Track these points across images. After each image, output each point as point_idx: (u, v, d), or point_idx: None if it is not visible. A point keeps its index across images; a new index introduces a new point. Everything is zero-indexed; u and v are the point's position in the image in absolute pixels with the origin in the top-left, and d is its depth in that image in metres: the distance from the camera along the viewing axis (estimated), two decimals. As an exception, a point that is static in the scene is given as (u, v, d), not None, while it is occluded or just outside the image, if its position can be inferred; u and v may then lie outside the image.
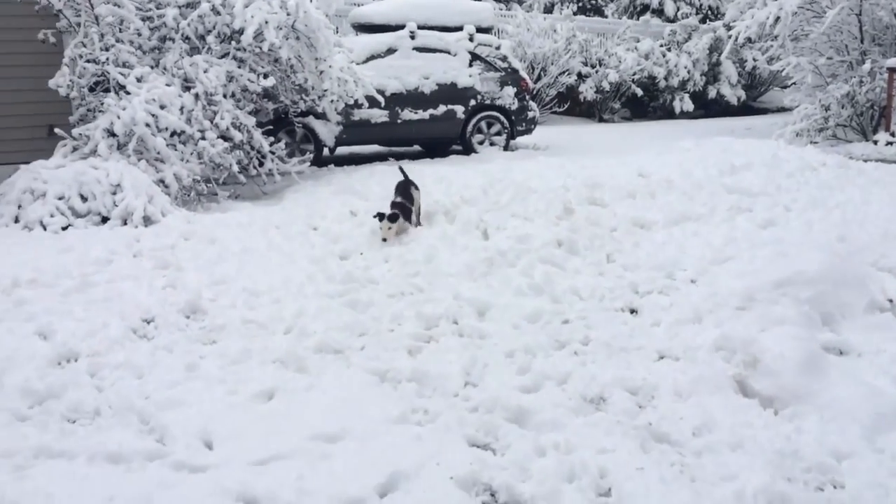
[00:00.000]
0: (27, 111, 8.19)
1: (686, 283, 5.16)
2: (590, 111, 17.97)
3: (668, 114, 18.08)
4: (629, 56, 17.34)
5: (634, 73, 17.38)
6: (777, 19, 11.79)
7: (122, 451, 3.26)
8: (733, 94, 18.62)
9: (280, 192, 8.58)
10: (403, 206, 6.57)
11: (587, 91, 17.14)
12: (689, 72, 17.96)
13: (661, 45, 18.36)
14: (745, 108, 19.02)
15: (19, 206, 6.86)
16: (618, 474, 3.03)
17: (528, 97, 12.09)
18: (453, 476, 3.06)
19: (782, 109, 16.90)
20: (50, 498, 2.92)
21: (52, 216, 6.71)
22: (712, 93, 18.48)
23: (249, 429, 3.47)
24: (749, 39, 13.87)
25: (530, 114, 12.08)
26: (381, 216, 6.29)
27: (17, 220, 6.79)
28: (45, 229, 6.61)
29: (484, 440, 3.39)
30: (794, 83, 13.17)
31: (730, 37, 13.77)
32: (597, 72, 17.19)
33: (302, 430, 3.43)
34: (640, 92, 17.56)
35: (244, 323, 4.73)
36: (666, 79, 17.82)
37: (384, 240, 6.18)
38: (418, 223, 6.79)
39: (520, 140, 12.67)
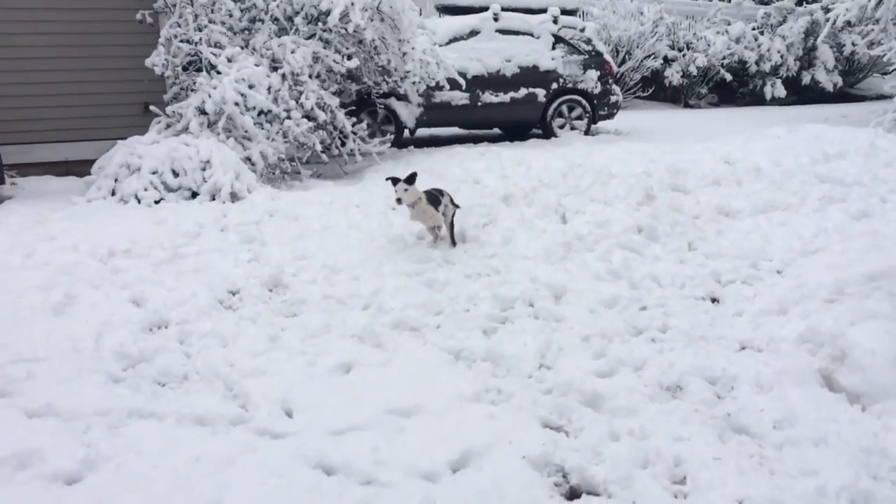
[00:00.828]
0: (125, 89, 8.57)
1: (772, 273, 5.00)
2: (675, 96, 17.52)
3: (759, 100, 17.45)
4: (719, 39, 16.80)
5: (724, 58, 16.84)
6: (879, 2, 11.20)
7: (208, 415, 3.40)
8: (829, 81, 17.81)
9: (360, 172, 8.73)
10: (433, 195, 5.81)
11: (673, 75, 16.72)
12: (782, 56, 17.27)
13: (754, 29, 17.71)
14: (842, 95, 18.16)
15: (116, 180, 7.21)
16: (693, 463, 2.98)
17: (611, 81, 11.88)
18: (525, 455, 3.07)
19: (882, 97, 16.09)
20: (141, 455, 3.08)
21: (145, 190, 7.02)
22: (806, 79, 17.72)
23: (327, 399, 3.57)
24: (848, 23, 13.26)
25: (613, 98, 11.88)
26: (395, 179, 5.62)
27: (113, 193, 7.14)
28: (139, 202, 6.93)
29: (557, 422, 3.39)
30: (896, 69, 12.50)
31: (828, 20, 13.15)
32: (684, 56, 16.74)
33: (378, 404, 3.50)
34: (729, 77, 17.02)
35: (324, 298, 4.85)
36: (757, 63, 17.19)
37: (398, 200, 5.53)
38: (452, 241, 5.87)
39: (601, 125, 12.48)
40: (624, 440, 3.18)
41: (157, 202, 6.94)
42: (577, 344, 4.13)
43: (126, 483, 2.87)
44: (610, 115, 12.02)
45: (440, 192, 5.90)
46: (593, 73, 11.57)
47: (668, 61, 16.75)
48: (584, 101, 11.62)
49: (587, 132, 11.69)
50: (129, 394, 3.58)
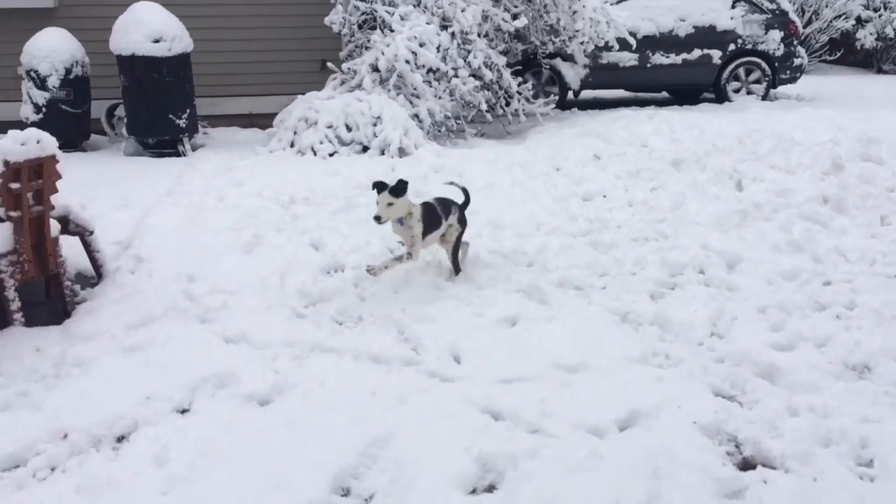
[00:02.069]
0: (304, 47, 9.01)
1: (978, 254, 4.54)
2: (867, 61, 16.06)
3: (966, 66, 15.67)
4: (923, -2, 15.17)
5: (927, 18, 15.20)
6: None
7: (383, 354, 3.58)
8: None
9: (524, 132, 8.72)
10: (433, 210, 4.43)
11: (866, 38, 15.32)
12: None
13: (966, -14, 15.82)
14: None
15: (295, 133, 7.63)
16: (883, 446, 2.79)
17: (795, 42, 11.08)
18: (696, 421, 3.01)
19: None
20: (324, 385, 3.30)
21: (321, 143, 7.39)
22: None
23: (494, 350, 3.65)
24: None
25: (797, 61, 11.08)
26: (380, 185, 4.22)
27: (292, 145, 7.57)
28: (314, 154, 7.31)
29: (730, 392, 3.28)
30: None
31: None
32: (880, 16, 15.26)
33: (543, 357, 3.54)
34: (932, 40, 15.36)
35: (489, 253, 4.93)
36: (968, 25, 15.39)
37: (377, 218, 4.11)
38: (455, 269, 4.56)
39: (781, 90, 11.72)
40: (804, 416, 3.03)
41: (331, 154, 7.29)
42: (753, 315, 3.96)
43: (312, 409, 3.09)
44: (792, 80, 11.23)
45: (448, 206, 4.51)
46: (776, 34, 10.83)
47: (860, 22, 15.34)
48: (763, 64, 10.92)
49: (765, 97, 11.00)
50: (311, 329, 3.83)
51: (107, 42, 7.63)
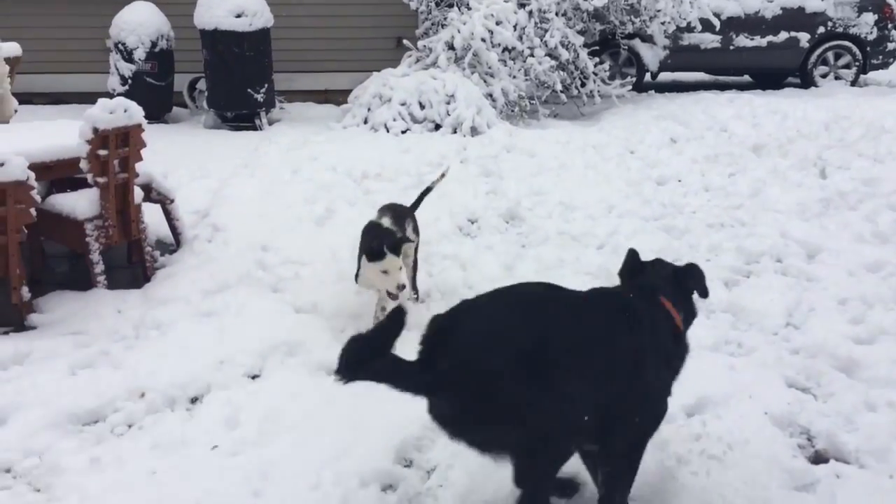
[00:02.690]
0: (380, 23, 9.06)
1: None
2: (967, 46, 15.13)
3: None
4: None
5: None
6: None
7: (449, 329, 3.60)
8: None
9: (598, 114, 8.57)
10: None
11: (968, 22, 14.42)
12: None
13: None
14: None
15: (369, 109, 7.70)
16: (968, 448, 2.67)
17: (890, 26, 10.51)
18: (767, 412, 2.93)
19: None
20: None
21: (394, 120, 7.43)
22: None
23: (561, 330, 3.62)
24: None
25: (890, 45, 10.53)
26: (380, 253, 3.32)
27: (365, 122, 7.64)
28: (387, 131, 7.37)
29: (804, 384, 3.18)
30: None
31: None
32: None
33: (611, 341, 3.49)
34: None
35: (559, 234, 4.89)
36: None
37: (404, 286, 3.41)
38: (415, 291, 3.97)
39: (872, 75, 11.17)
40: (882, 412, 2.92)
41: (403, 132, 7.33)
42: (832, 306, 3.82)
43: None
44: (884, 65, 10.69)
45: (402, 216, 3.78)
46: (869, 17, 10.31)
47: (963, 5, 14.46)
48: (854, 48, 10.42)
49: (854, 83, 10.51)
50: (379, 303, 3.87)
51: (191, 17, 7.84)
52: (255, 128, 7.89)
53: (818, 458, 2.73)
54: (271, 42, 8.02)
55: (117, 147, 3.85)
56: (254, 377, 3.21)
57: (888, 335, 3.52)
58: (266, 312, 3.70)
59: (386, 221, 3.61)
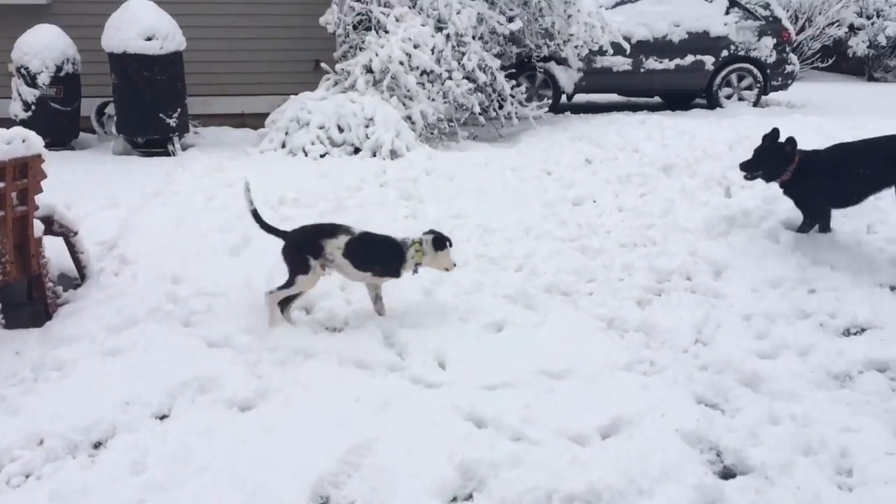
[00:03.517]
0: (298, 46, 9.00)
1: (965, 264, 4.55)
2: (858, 68, 16.14)
3: (958, 74, 15.76)
4: (916, 6, 15.25)
5: (920, 26, 15.26)
6: None
7: (368, 359, 3.57)
8: None
9: (516, 135, 8.71)
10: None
11: (858, 45, 15.39)
12: None
13: (959, -6, 15.90)
14: None
15: (286, 133, 7.61)
16: (862, 456, 2.80)
17: (788, 50, 11.12)
18: (678, 429, 3.01)
19: None
20: (306, 390, 3.29)
21: (312, 144, 7.37)
22: None
23: (479, 355, 3.64)
24: None
25: (789, 68, 11.12)
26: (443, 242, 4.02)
27: (283, 146, 7.54)
28: (306, 155, 7.29)
29: (713, 399, 3.28)
30: None
31: None
32: (873, 24, 15.33)
33: (528, 364, 3.53)
34: (924, 48, 15.44)
35: (477, 257, 4.92)
36: (960, 33, 15.46)
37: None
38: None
39: (772, 96, 11.75)
40: (785, 425, 3.04)
41: (322, 156, 7.27)
42: (737, 322, 3.97)
43: (294, 414, 3.08)
44: (783, 86, 11.27)
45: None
46: (768, 41, 10.87)
47: (853, 30, 15.41)
48: (755, 71, 10.95)
49: (756, 103, 11.03)
50: (296, 333, 3.82)
51: (99, 39, 7.62)
52: (167, 153, 7.69)
53: (727, 474, 2.82)
54: (184, 65, 7.86)
55: (15, 179, 3.68)
56: (162, 417, 3.10)
57: (789, 349, 3.67)
58: (176, 348, 3.59)
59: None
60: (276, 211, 5.57)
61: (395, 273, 4.00)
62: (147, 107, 7.54)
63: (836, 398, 3.23)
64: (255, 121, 8.78)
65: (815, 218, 4.90)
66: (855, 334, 3.84)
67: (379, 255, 3.97)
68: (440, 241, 4.00)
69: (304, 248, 3.88)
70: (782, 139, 4.79)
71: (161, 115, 7.60)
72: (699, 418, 3.09)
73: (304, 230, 4.03)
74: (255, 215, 4.02)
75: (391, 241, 4.03)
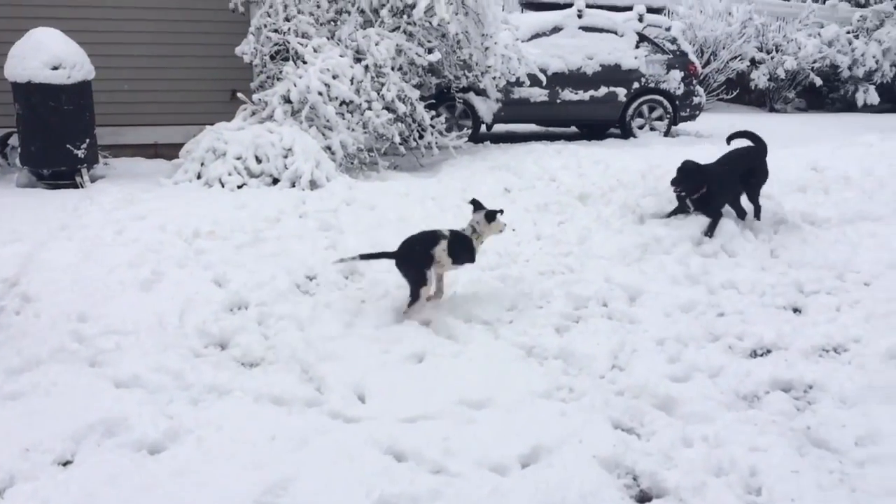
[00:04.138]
0: (214, 76, 8.85)
1: (858, 285, 4.81)
2: (760, 100, 16.99)
3: (849, 106, 16.78)
4: (810, 42, 16.21)
5: (814, 61, 16.24)
6: None
7: (285, 396, 3.49)
8: (928, 88, 16.97)
9: (437, 165, 8.78)
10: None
11: (759, 78, 16.22)
12: (877, 62, 16.56)
13: (848, 32, 17.01)
14: (941, 104, 17.30)
15: (202, 164, 7.45)
16: (770, 475, 2.90)
17: (695, 82, 11.63)
18: (596, 455, 3.05)
19: None
20: (221, 430, 3.19)
21: (229, 175, 7.23)
22: (903, 85, 16.93)
23: (400, 387, 3.62)
24: (953, 27, 12.54)
25: (696, 99, 11.62)
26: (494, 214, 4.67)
27: (199, 177, 7.38)
28: (222, 186, 7.15)
29: (629, 424, 3.35)
30: None
31: (930, 24, 12.51)
32: (772, 58, 16.21)
33: (449, 394, 3.53)
34: (819, 81, 16.40)
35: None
36: (850, 68, 16.52)
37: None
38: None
39: (682, 126, 12.23)
40: (698, 447, 3.12)
41: (239, 187, 7.14)
42: (652, 347, 4.07)
43: (206, 456, 2.98)
44: (692, 117, 11.77)
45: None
46: (677, 74, 11.34)
47: (754, 63, 16.24)
48: (665, 102, 11.40)
49: (667, 133, 11.46)
50: (210, 370, 3.71)
51: (1, 69, 7.30)
52: (75, 185, 7.40)
53: (643, 498, 2.87)
54: (93, 95, 7.61)
55: None
56: (65, 464, 2.94)
57: (701, 371, 3.79)
58: (81, 389, 3.42)
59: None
60: (191, 244, 5.44)
61: (474, 259, 4.67)
62: (53, 137, 7.26)
63: (745, 419, 3.33)
64: (169, 151, 8.55)
65: (718, 218, 5.66)
66: (761, 355, 3.99)
67: (465, 248, 4.58)
68: (491, 215, 4.64)
69: (420, 262, 4.44)
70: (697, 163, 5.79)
71: (68, 145, 7.33)
72: (616, 443, 3.14)
73: (411, 246, 4.52)
74: (364, 257, 4.65)
75: (463, 234, 4.64)
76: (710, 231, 5.59)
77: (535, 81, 10.09)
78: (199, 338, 4.08)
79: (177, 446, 3.06)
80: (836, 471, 2.96)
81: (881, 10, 17.40)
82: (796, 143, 9.11)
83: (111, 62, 8.24)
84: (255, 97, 8.20)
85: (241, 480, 2.80)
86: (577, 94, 11.02)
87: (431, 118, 8.98)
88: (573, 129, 12.43)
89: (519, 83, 10.06)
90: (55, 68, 7.18)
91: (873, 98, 16.59)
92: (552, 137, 11.19)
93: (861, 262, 5.11)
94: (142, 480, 2.77)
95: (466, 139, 9.79)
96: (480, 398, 3.51)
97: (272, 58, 8.51)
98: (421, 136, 8.96)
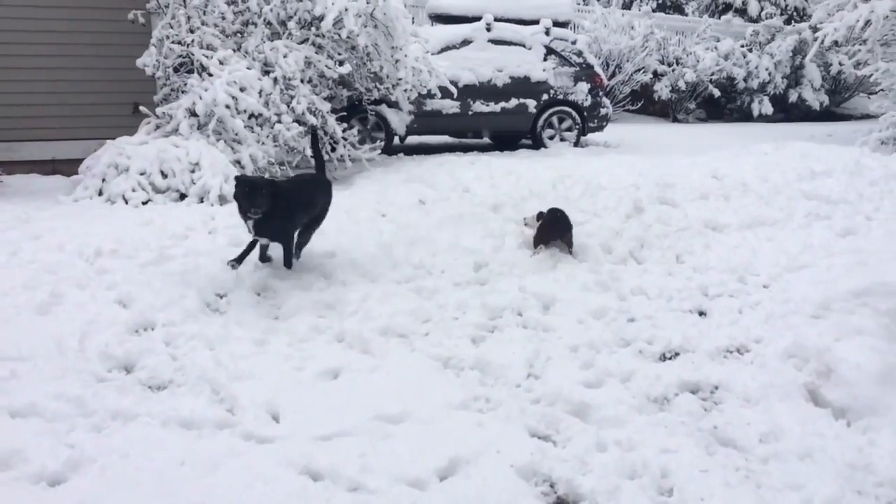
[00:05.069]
0: (114, 89, 8.52)
1: (758, 288, 5.04)
2: (664, 110, 17.65)
3: (746, 116, 17.63)
4: (708, 56, 16.96)
5: (712, 74, 16.99)
6: (867, 23, 11.31)
7: (194, 418, 3.37)
8: (815, 99, 18.01)
9: (350, 178, 8.71)
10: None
11: (662, 90, 16.84)
12: (770, 74, 17.47)
13: (743, 46, 17.89)
14: (828, 114, 18.38)
15: (104, 180, 7.16)
16: (680, 475, 2.99)
17: (601, 94, 11.95)
18: (513, 465, 3.07)
19: (867, 116, 16.28)
20: (126, 457, 3.04)
21: (133, 191, 6.98)
22: (793, 96, 17.92)
23: (315, 405, 3.55)
24: (836, 43, 13.33)
25: (603, 111, 11.94)
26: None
27: (100, 193, 7.09)
28: (126, 203, 6.89)
29: (545, 432, 3.39)
30: (882, 89, 12.65)
31: (815, 39, 13.25)
32: (673, 70, 16.87)
33: (365, 410, 3.48)
34: (717, 93, 17.17)
35: (312, 303, 4.82)
36: (745, 80, 17.37)
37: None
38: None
39: (591, 137, 12.55)
40: (611, 451, 3.18)
41: (144, 203, 6.90)
42: (566, 354, 4.14)
43: (110, 485, 2.83)
44: (599, 128, 12.09)
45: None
46: (584, 86, 11.64)
47: (657, 76, 16.87)
48: (574, 113, 11.67)
49: (577, 144, 11.74)
50: (114, 395, 3.54)
51: None
52: (-35, 204, 6.98)
53: (560, 504, 2.90)
54: (-17, 108, 7.21)
55: None
56: (-47, 504, 2.75)
57: (613, 377, 3.87)
58: (-29, 422, 3.21)
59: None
60: (92, 264, 5.20)
61: None
62: (-61, 154, 6.83)
63: (656, 421, 3.43)
64: (68, 167, 8.17)
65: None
66: (670, 359, 4.12)
67: None
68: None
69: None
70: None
71: (-44, 162, 6.91)
72: (532, 451, 3.17)
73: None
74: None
75: None
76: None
77: (446, 93, 10.17)
78: (101, 361, 3.89)
79: (79, 476, 2.90)
80: (742, 468, 3.08)
81: (772, 24, 18.38)
82: (698, 152, 9.48)
83: (3, 75, 7.83)
84: (158, 110, 7.94)
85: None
86: (488, 105, 11.16)
87: (343, 131, 8.92)
88: (486, 140, 12.57)
89: (431, 95, 10.12)
90: (-61, 80, 6.77)
91: (768, 108, 17.48)
92: (465, 149, 11.29)
93: (760, 265, 5.36)
94: (38, 515, 2.61)
95: (380, 152, 9.76)
96: (397, 412, 3.48)
97: (176, 70, 8.26)
98: (333, 149, 8.88)
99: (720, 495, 2.88)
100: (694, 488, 2.91)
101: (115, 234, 5.75)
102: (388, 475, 2.97)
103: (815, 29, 15.32)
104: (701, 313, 4.75)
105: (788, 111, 18.05)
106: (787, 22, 19.10)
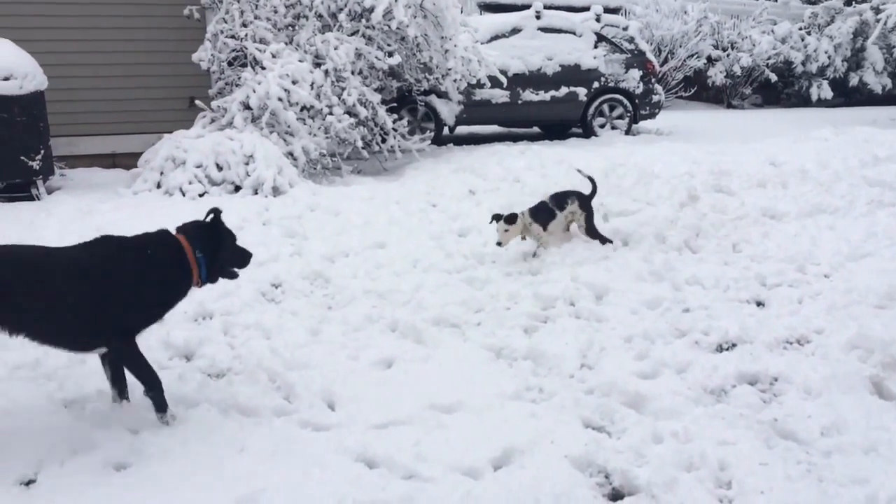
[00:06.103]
0: (171, 84, 8.71)
1: (819, 277, 4.91)
2: (718, 97, 17.28)
3: (804, 101, 17.14)
4: (764, 39, 16.53)
5: (769, 58, 16.56)
6: (935, 1, 10.88)
7: (252, 406, 3.44)
8: (878, 82, 17.40)
9: (400, 168, 8.76)
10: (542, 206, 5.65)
11: (716, 75, 16.49)
12: (829, 57, 16.93)
13: (801, 29, 17.39)
14: (891, 98, 17.71)
15: (161, 173, 7.33)
16: (739, 468, 2.93)
17: (653, 80, 11.77)
18: (567, 455, 3.05)
19: (933, 99, 15.68)
20: (186, 444, 3.11)
21: (190, 183, 7.13)
22: (854, 80, 17.34)
23: (369, 393, 3.59)
24: (900, 23, 12.87)
25: (655, 98, 11.75)
26: (496, 217, 5.46)
27: (159, 186, 7.26)
28: (183, 195, 7.04)
29: (599, 422, 3.36)
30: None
31: (878, 21, 12.81)
32: (728, 55, 16.49)
33: (419, 399, 3.51)
34: (773, 77, 16.73)
35: (365, 293, 4.87)
36: (803, 64, 16.88)
37: (499, 244, 5.42)
38: (601, 240, 5.61)
39: (642, 124, 12.37)
40: (667, 443, 3.14)
41: (201, 195, 7.04)
42: (619, 345, 4.09)
43: (173, 472, 2.91)
44: (651, 115, 11.90)
45: (563, 199, 5.71)
46: (635, 73, 11.46)
47: (711, 61, 16.52)
48: (625, 101, 11.51)
49: (628, 132, 11.58)
50: (175, 382, 3.63)
51: (-51, 80, 7.10)
52: (31, 198, 7.23)
53: (615, 496, 2.88)
54: (46, 105, 7.44)
55: None
56: (28, 483, 2.85)
57: (669, 368, 3.81)
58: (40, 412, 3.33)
59: (547, 200, 5.72)
60: (152, 255, 5.32)
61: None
62: (6, 149, 7.08)
63: (713, 413, 3.37)
64: (127, 161, 8.40)
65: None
66: (727, 350, 4.04)
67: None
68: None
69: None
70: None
71: (22, 157, 7.15)
72: (587, 442, 3.15)
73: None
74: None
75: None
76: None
77: (495, 83, 10.13)
78: (163, 350, 4.01)
79: (143, 463, 2.98)
80: (803, 461, 3.01)
81: (831, 6, 17.81)
82: (754, 139, 9.26)
83: (65, 71, 8.07)
84: (213, 104, 8.10)
85: (210, 495, 2.75)
86: (538, 94, 11.08)
87: (394, 122, 8.96)
88: (536, 129, 12.49)
89: (480, 85, 10.09)
90: (6, 79, 7.01)
91: (827, 93, 16.97)
92: (515, 138, 11.23)
93: (821, 255, 5.21)
94: (109, 497, 2.69)
95: (429, 142, 9.78)
96: (451, 402, 3.49)
97: (230, 64, 8.41)
98: (384, 140, 8.93)
99: (781, 488, 2.82)
100: (753, 481, 2.85)
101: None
102: (443, 464, 2.99)
103: (877, 10, 14.85)
104: (759, 304, 4.64)
105: (849, 95, 17.48)
106: (848, 3, 18.45)
